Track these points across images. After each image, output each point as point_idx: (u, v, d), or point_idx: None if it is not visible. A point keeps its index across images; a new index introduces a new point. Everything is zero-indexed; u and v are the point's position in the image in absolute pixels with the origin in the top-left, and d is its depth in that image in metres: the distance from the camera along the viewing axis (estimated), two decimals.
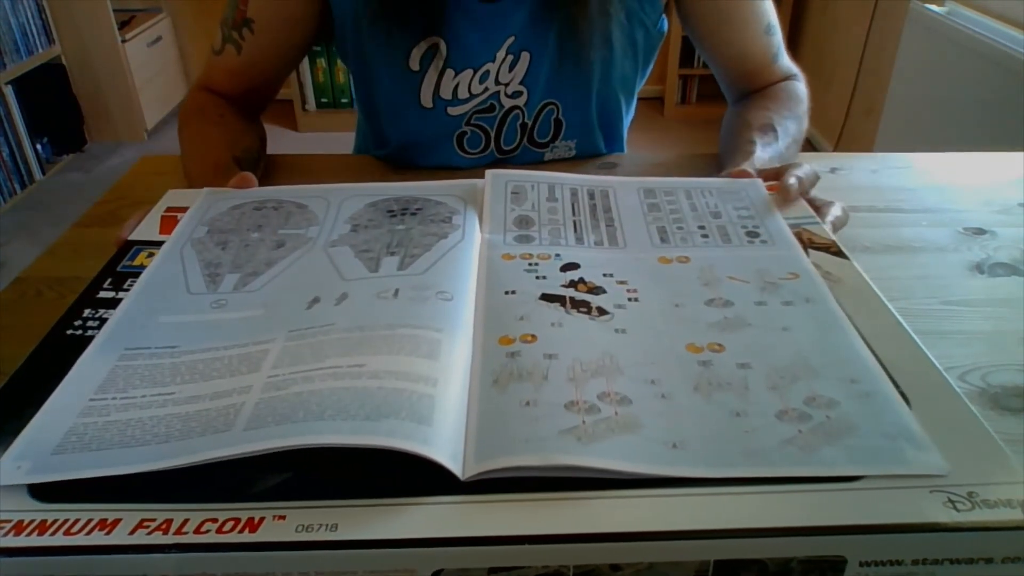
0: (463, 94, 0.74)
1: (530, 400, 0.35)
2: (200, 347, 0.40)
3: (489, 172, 0.57)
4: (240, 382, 0.37)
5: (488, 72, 0.73)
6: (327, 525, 0.30)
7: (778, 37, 0.78)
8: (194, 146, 0.71)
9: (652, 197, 0.56)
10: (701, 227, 0.52)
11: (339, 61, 2.99)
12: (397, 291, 0.43)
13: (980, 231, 0.61)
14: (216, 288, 0.45)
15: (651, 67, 0.82)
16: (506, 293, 0.44)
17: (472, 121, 0.77)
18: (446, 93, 0.74)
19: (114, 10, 2.75)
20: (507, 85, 0.74)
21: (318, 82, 3.06)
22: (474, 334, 0.40)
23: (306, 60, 2.99)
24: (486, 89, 0.74)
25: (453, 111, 0.75)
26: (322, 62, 3.02)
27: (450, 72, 0.73)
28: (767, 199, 0.55)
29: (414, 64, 0.72)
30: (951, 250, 0.58)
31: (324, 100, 3.10)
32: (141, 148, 2.87)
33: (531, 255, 0.48)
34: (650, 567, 0.30)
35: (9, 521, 0.30)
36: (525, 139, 0.79)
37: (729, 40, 0.77)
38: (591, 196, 0.56)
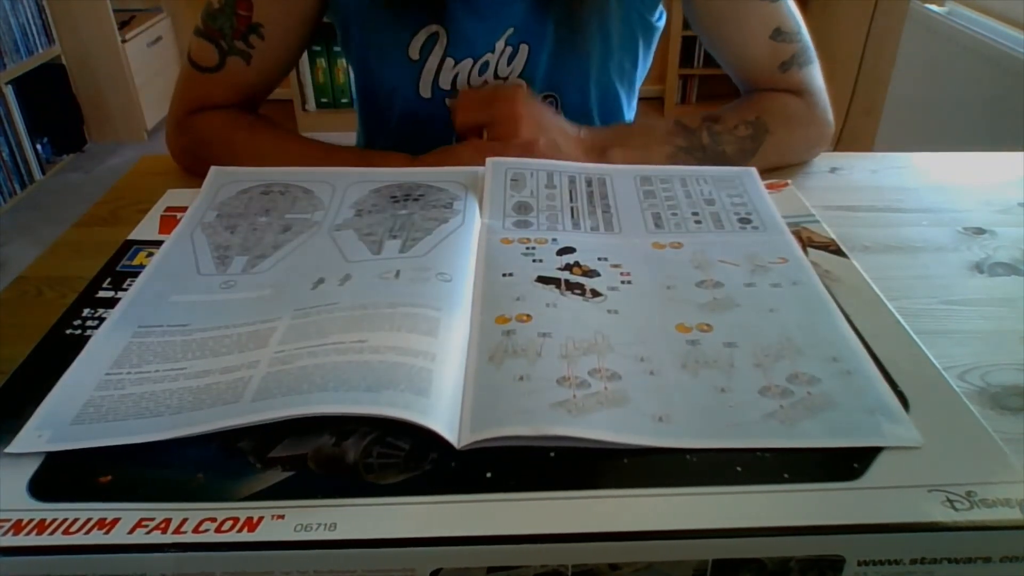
0: (462, 85, 0.74)
1: (524, 375, 0.37)
2: (210, 325, 0.42)
3: (490, 160, 0.59)
4: (248, 357, 0.38)
5: (488, 63, 0.73)
6: (326, 524, 0.30)
7: (795, 47, 0.73)
8: (289, 156, 0.66)
9: (648, 184, 0.58)
10: (695, 213, 0.54)
11: (339, 61, 3.00)
12: (398, 272, 0.45)
13: (980, 231, 0.61)
14: (225, 270, 0.47)
15: (650, 61, 0.82)
16: (504, 275, 0.46)
17: None
18: (445, 83, 0.74)
19: (114, 10, 2.74)
20: (506, 80, 0.74)
21: (318, 82, 3.05)
22: (472, 313, 0.42)
23: (306, 60, 2.98)
24: (485, 83, 0.74)
25: (452, 103, 0.75)
26: (322, 62, 3.01)
27: (450, 61, 0.73)
28: (761, 188, 0.57)
29: (414, 53, 0.73)
30: (951, 250, 0.58)
31: (324, 100, 3.09)
32: (141, 148, 2.86)
33: (528, 239, 0.50)
34: (649, 567, 0.30)
35: (8, 520, 0.30)
36: None
37: (728, 40, 0.76)
38: (588, 183, 0.58)
